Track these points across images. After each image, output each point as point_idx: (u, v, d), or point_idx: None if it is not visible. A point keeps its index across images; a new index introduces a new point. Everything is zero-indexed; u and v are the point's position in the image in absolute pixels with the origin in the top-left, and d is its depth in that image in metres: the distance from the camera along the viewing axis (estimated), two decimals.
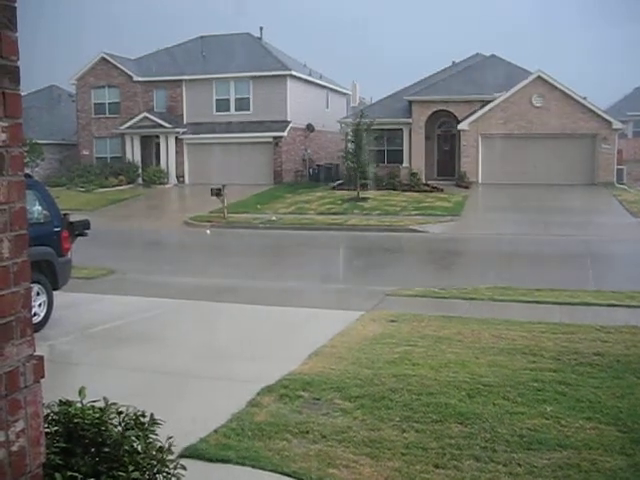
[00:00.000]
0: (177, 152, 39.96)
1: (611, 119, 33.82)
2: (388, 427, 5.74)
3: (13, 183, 2.41)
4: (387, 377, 7.03)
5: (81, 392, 3.54)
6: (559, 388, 6.62)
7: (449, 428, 5.69)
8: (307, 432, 5.63)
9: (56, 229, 10.18)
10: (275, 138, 38.48)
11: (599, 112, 33.88)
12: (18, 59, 2.43)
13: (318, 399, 6.44)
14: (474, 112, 34.60)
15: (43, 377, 2.56)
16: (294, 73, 39.53)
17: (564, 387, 6.65)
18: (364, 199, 29.88)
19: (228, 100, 39.97)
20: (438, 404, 6.20)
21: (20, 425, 2.41)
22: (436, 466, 5.01)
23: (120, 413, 3.54)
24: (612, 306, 10.84)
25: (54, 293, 10.01)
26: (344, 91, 49.47)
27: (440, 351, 8.12)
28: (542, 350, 8.05)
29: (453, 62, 43.01)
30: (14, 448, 2.37)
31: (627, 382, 6.83)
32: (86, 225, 11.52)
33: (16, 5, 2.41)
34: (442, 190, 32.33)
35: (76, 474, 3.08)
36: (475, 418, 5.87)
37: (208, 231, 24.65)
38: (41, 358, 2.55)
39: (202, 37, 43.49)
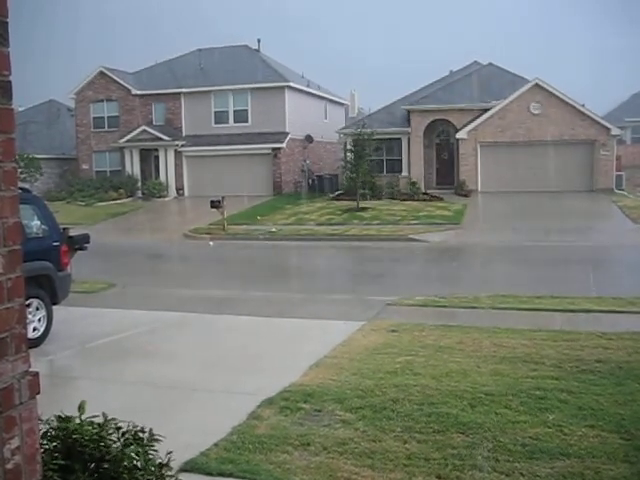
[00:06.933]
0: (176, 165, 40.00)
1: (609, 125, 33.86)
2: (390, 438, 5.70)
3: (6, 198, 2.40)
4: (388, 387, 7.00)
5: (80, 407, 3.52)
6: (561, 396, 6.58)
7: (451, 438, 5.66)
8: (308, 444, 5.59)
9: (55, 243, 10.16)
10: (274, 149, 38.53)
11: (597, 119, 33.94)
12: (10, 74, 2.42)
13: (319, 410, 6.40)
14: (472, 120, 34.67)
15: (39, 393, 2.54)
16: (292, 84, 39.64)
17: (566, 395, 6.62)
18: (364, 209, 29.89)
19: (227, 112, 40.07)
20: (440, 414, 6.16)
21: (15, 442, 2.38)
22: (438, 477, 4.98)
23: (119, 429, 3.51)
24: (613, 312, 10.82)
25: (54, 308, 10.00)
26: (342, 101, 49.57)
27: (441, 360, 8.09)
28: (543, 358, 8.02)
29: (450, 71, 43.14)
30: (9, 466, 2.34)
31: (629, 389, 6.80)
32: (86, 239, 11.51)
33: (8, 20, 2.41)
34: (441, 199, 32.35)
35: None
36: (477, 428, 5.83)
37: (211, 243, 24.66)
38: (36, 374, 2.53)
39: (200, 50, 43.62)
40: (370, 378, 7.38)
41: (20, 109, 44.17)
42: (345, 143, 34.75)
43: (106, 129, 41.66)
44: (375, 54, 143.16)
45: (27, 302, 9.08)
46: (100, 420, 3.50)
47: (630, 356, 8.04)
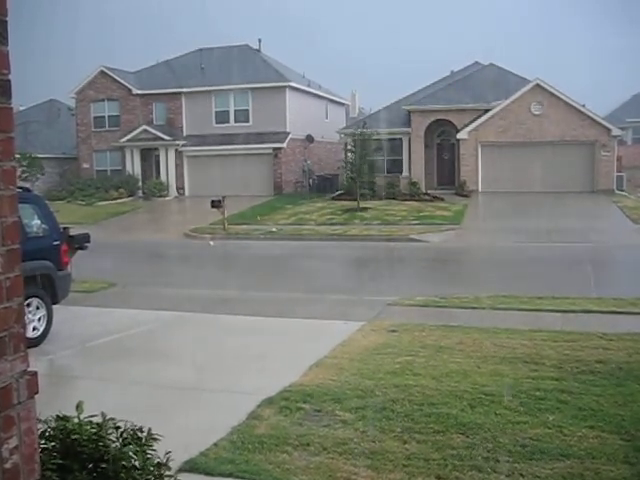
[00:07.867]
0: (177, 164, 40.00)
1: (610, 126, 33.83)
2: (389, 438, 5.70)
3: (5, 197, 2.39)
4: (388, 388, 6.99)
5: (79, 407, 3.51)
6: (561, 397, 6.58)
7: (451, 439, 5.65)
8: (308, 444, 5.58)
9: (55, 243, 10.16)
10: (275, 149, 38.51)
11: (598, 119, 33.91)
12: (9, 72, 2.42)
13: (319, 411, 6.40)
14: (473, 121, 34.65)
15: (37, 393, 2.53)
16: (293, 84, 39.64)
17: (566, 396, 6.61)
18: (364, 209, 29.86)
19: (227, 112, 40.07)
20: (440, 414, 6.16)
21: (13, 442, 2.38)
22: (438, 477, 4.97)
23: (118, 428, 3.50)
24: (614, 313, 10.80)
25: (54, 307, 10.00)
26: (343, 101, 49.56)
27: (441, 361, 8.08)
28: (544, 358, 8.01)
29: (452, 71, 43.11)
30: (7, 465, 2.34)
31: (629, 390, 6.79)
32: (86, 238, 11.52)
33: (7, 19, 2.40)
34: (442, 199, 32.32)
35: None
36: (477, 428, 5.83)
37: (211, 242, 24.64)
38: (35, 374, 2.52)
39: (201, 49, 43.60)
40: (370, 378, 7.37)
41: (21, 108, 44.19)
42: (346, 143, 34.73)
43: (107, 128, 41.65)
44: (375, 54, 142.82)
45: (27, 301, 9.09)
46: (99, 420, 3.50)
47: (630, 357, 8.04)
